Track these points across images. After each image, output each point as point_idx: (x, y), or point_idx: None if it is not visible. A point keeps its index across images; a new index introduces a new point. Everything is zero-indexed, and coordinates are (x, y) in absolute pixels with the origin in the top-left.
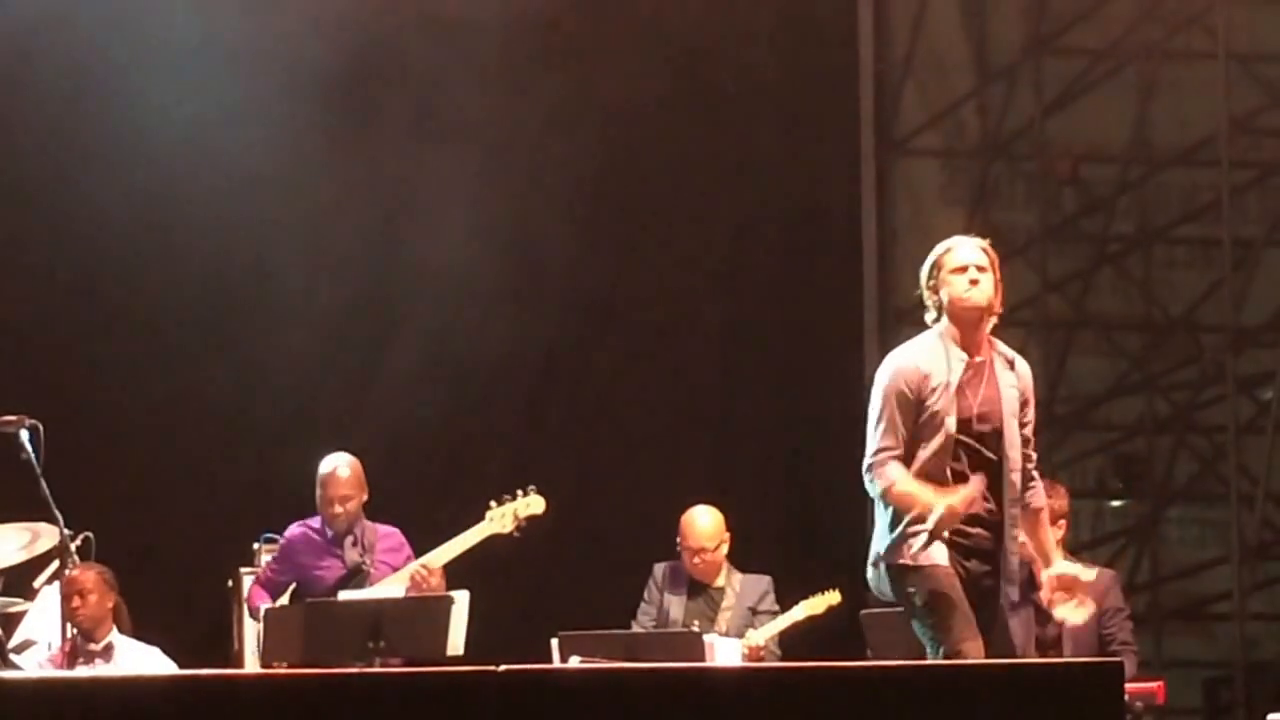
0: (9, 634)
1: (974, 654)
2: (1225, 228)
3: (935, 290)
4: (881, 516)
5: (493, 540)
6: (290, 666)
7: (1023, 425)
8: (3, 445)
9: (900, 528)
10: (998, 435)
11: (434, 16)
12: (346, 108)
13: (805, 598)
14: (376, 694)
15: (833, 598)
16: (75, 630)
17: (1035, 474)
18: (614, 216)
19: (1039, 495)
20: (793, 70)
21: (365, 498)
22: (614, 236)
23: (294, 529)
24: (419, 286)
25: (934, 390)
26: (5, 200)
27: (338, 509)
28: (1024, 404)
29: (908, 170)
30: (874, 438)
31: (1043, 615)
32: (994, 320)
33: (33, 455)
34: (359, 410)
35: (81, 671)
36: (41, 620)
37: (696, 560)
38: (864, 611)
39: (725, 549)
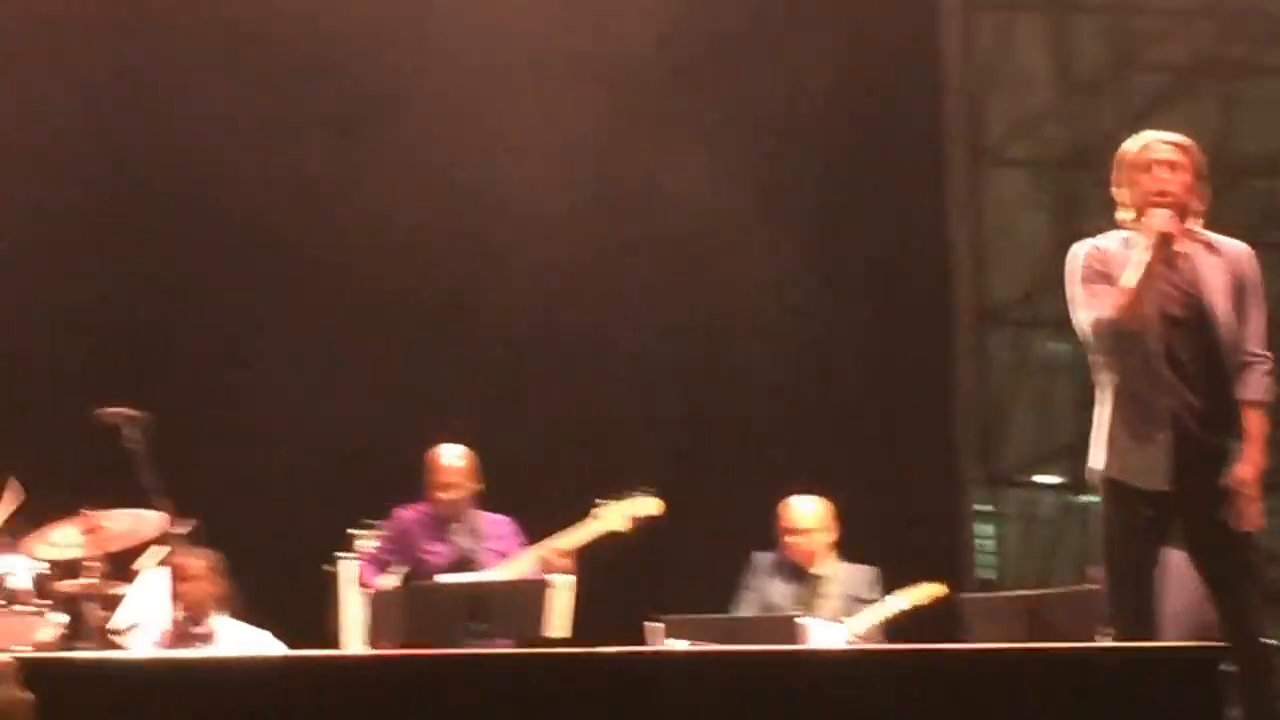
0: (114, 616)
1: None
2: None
3: (1121, 186)
4: None
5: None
6: (394, 648)
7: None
8: (112, 433)
9: None
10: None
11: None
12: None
13: (908, 589)
14: (481, 675)
15: (937, 588)
16: (182, 614)
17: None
18: (703, 235)
19: (1257, 385)
20: (880, 83)
21: (476, 488)
22: (702, 253)
23: (405, 510)
24: (513, 281)
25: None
26: (117, 183)
27: (444, 495)
28: (1239, 288)
29: (994, 180)
30: (1081, 311)
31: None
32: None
33: (140, 443)
34: (461, 399)
35: (191, 652)
36: (144, 603)
37: (791, 540)
38: (963, 596)
39: (828, 536)
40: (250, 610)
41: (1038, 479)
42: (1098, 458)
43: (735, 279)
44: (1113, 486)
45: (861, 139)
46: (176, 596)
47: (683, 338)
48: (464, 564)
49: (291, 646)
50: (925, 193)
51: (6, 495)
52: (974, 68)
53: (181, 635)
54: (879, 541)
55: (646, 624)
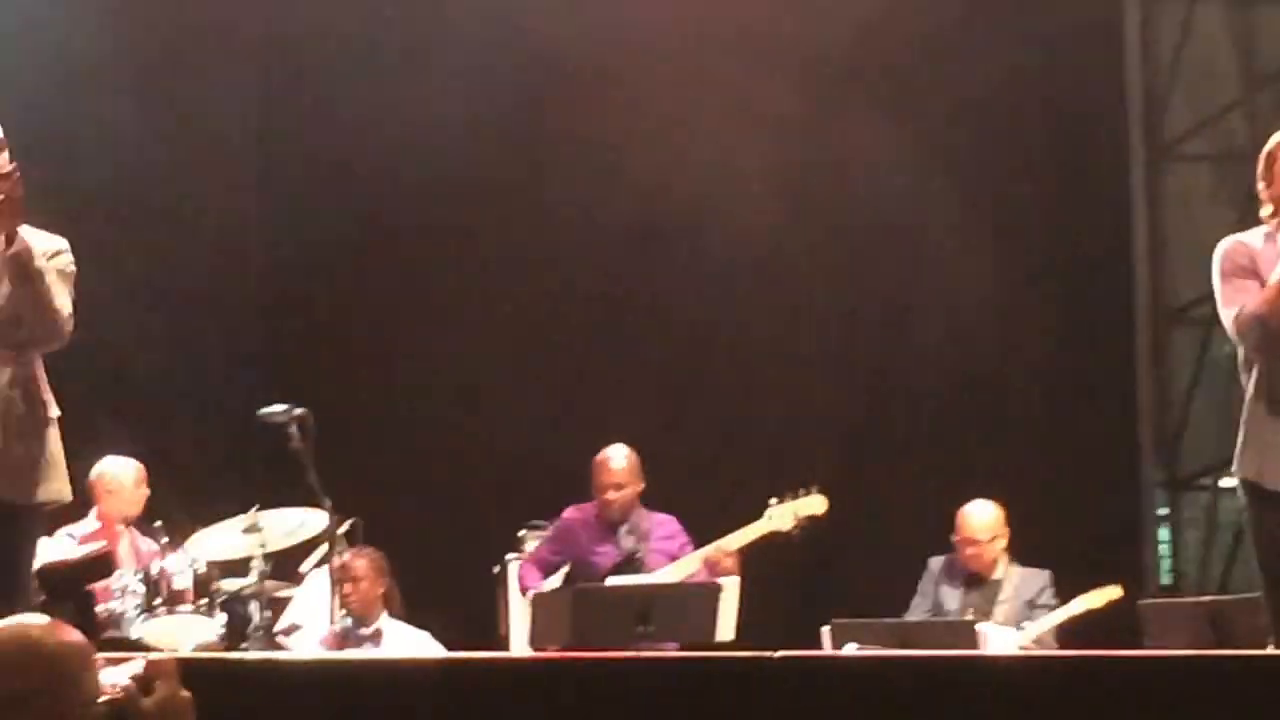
0: (277, 617)
1: None
2: None
3: (1269, 183)
4: None
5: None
6: (558, 650)
7: None
8: (275, 433)
9: None
10: None
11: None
12: None
13: (1084, 592)
14: (647, 677)
15: (1113, 591)
16: (346, 614)
17: None
18: (887, 230)
19: None
20: (1063, 78)
21: (641, 488)
22: (885, 249)
23: (570, 512)
24: (682, 278)
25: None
26: (282, 182)
27: (611, 495)
28: None
29: (1177, 175)
30: (1224, 307)
31: None
32: None
33: (302, 443)
34: (629, 398)
35: (352, 654)
36: (308, 604)
37: (970, 551)
38: (1142, 602)
39: (1002, 543)
40: (415, 611)
41: (1220, 483)
42: (1239, 458)
43: (917, 275)
44: (1252, 489)
45: (1045, 135)
46: (340, 597)
47: (860, 335)
48: (629, 565)
49: (456, 648)
50: (1107, 189)
51: (135, 481)
52: (1155, 62)
53: (345, 636)
54: (1055, 545)
55: (822, 628)
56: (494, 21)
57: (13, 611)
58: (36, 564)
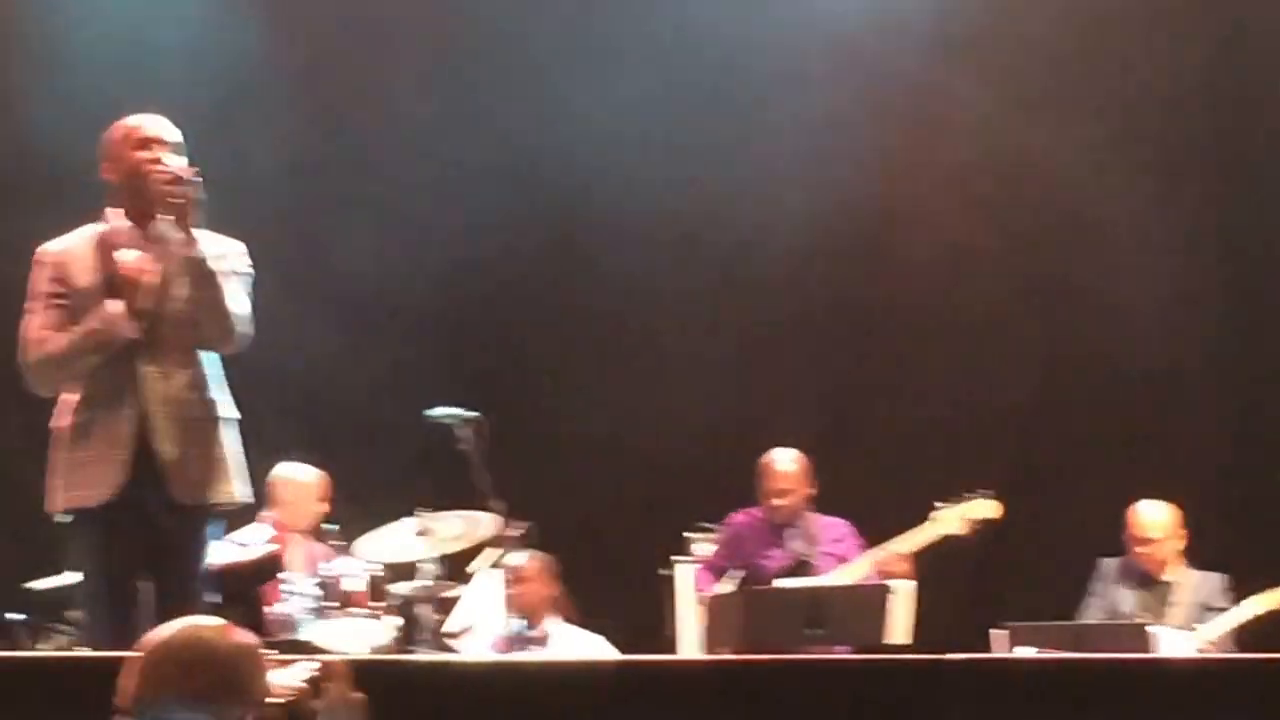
0: (447, 618)
1: None
2: None
3: None
4: None
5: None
6: (731, 653)
7: None
8: (446, 436)
9: None
10: None
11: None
12: None
13: (1260, 593)
14: (819, 680)
15: None
16: (514, 617)
17: None
18: (1081, 223)
19: None
20: (1242, 71)
21: (809, 492)
22: (1078, 241)
23: (739, 515)
24: (855, 283)
25: None
26: (459, 185)
27: (778, 501)
28: None
29: None
30: None
31: None
32: None
33: (474, 445)
34: (798, 400)
35: (523, 656)
36: (478, 606)
37: (1141, 550)
38: None
39: (1176, 544)
40: (584, 614)
41: None
42: None
43: (1092, 271)
44: None
45: (1225, 127)
46: (509, 600)
47: (1033, 331)
48: (799, 569)
49: (626, 651)
50: None
51: (314, 491)
52: None
53: (514, 639)
54: (1234, 546)
55: (993, 631)
56: (684, 24)
57: (187, 613)
58: (209, 566)
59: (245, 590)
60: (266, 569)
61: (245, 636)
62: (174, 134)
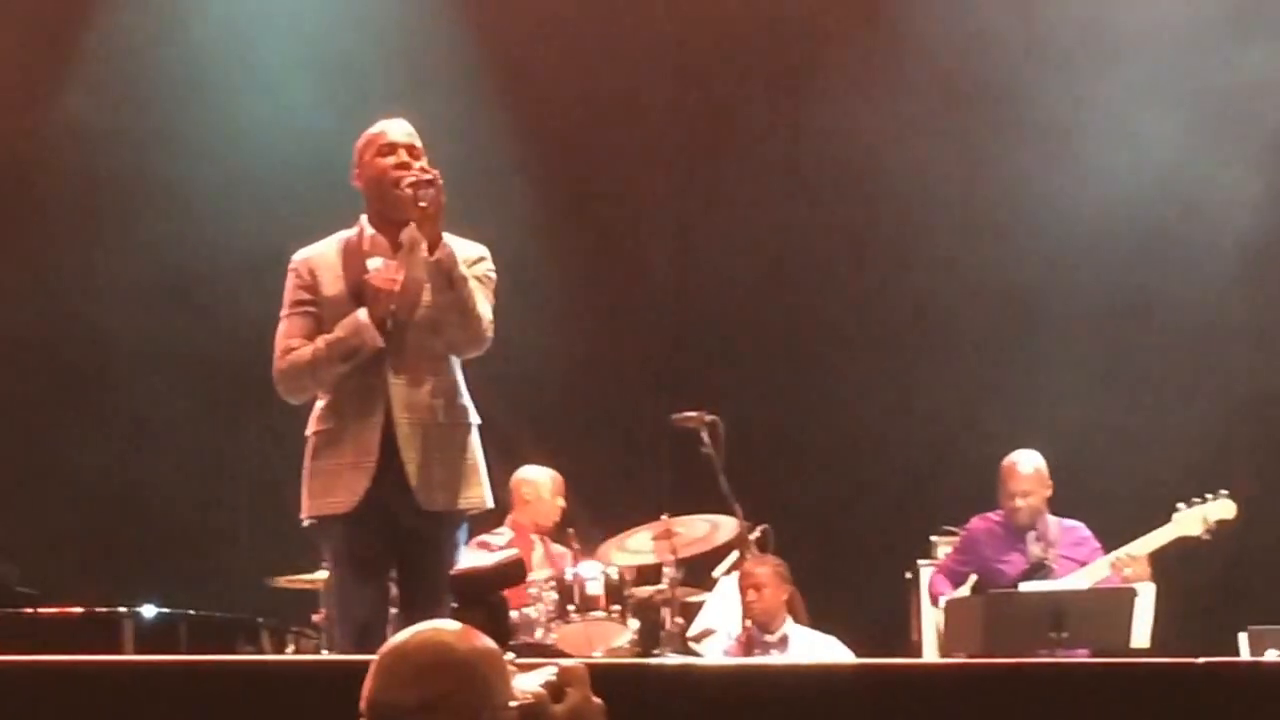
0: (689, 623)
1: None
2: None
3: None
4: None
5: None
6: (969, 657)
7: None
8: (686, 440)
9: None
10: None
11: None
12: None
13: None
14: (1061, 684)
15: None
16: (752, 621)
17: None
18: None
19: None
20: None
21: (1048, 494)
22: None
23: (976, 521)
24: (1095, 285)
25: None
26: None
27: (1018, 503)
28: None
29: None
30: None
31: None
32: None
33: (713, 449)
34: (1034, 402)
35: (762, 659)
36: (720, 610)
37: None
38: None
39: None
40: (824, 618)
41: None
42: None
43: None
44: None
45: None
46: (744, 605)
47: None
48: (1037, 572)
49: (866, 655)
50: None
51: (553, 491)
52: None
53: (751, 643)
54: None
55: (1239, 634)
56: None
57: (433, 618)
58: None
59: (486, 594)
60: (509, 574)
61: (485, 641)
62: (416, 138)
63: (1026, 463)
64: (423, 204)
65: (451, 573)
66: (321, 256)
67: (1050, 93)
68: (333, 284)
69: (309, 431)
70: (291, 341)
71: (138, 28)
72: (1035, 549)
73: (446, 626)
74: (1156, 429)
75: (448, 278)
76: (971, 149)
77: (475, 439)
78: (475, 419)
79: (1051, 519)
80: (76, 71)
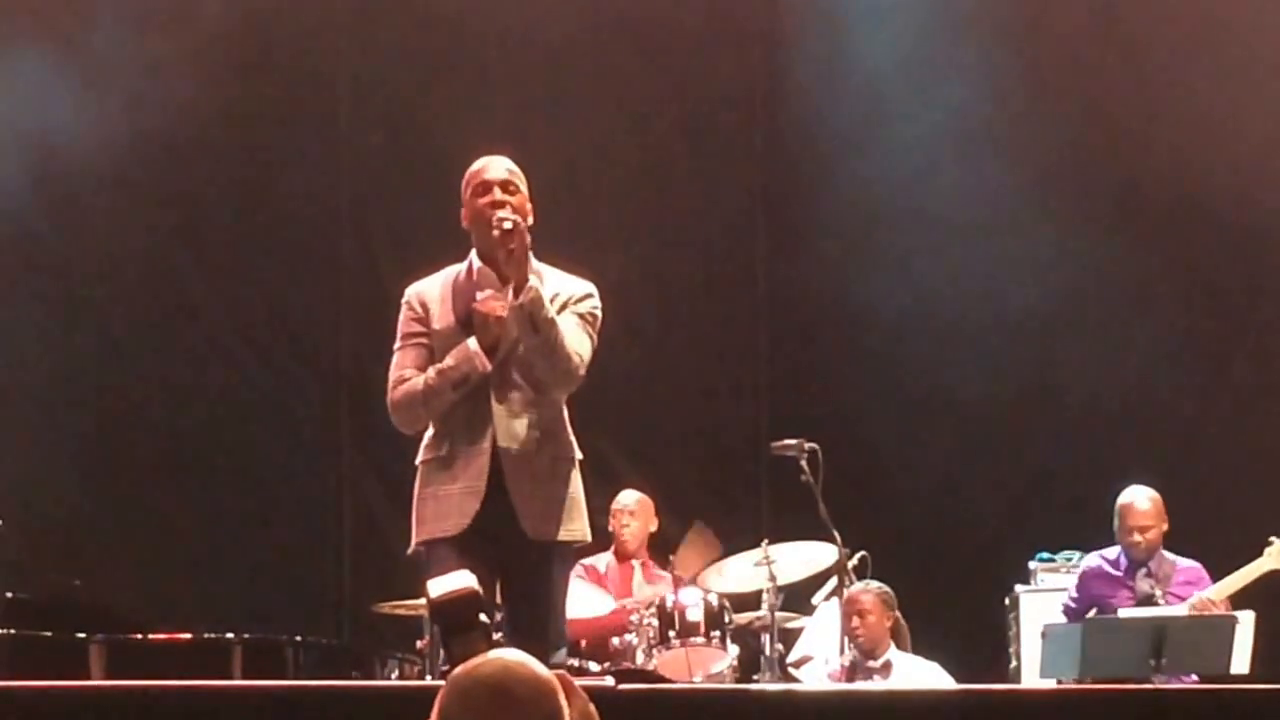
0: (788, 649)
1: None
2: None
3: None
4: None
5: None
6: (1069, 683)
7: None
8: (786, 467)
9: None
10: None
11: None
12: None
13: None
14: (1162, 710)
15: None
16: (854, 647)
17: None
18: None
19: None
20: None
21: (1165, 528)
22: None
23: (1091, 559)
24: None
25: None
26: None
27: (1136, 538)
28: None
29: None
30: None
31: None
32: None
33: (812, 477)
34: (1133, 433)
35: (863, 685)
36: (819, 636)
37: None
38: None
39: None
40: (924, 644)
41: None
42: None
43: None
44: None
45: None
46: (848, 631)
47: None
48: (1144, 607)
49: (966, 680)
50: None
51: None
52: None
53: (854, 669)
54: None
55: None
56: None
57: (536, 648)
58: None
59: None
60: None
61: (545, 670)
62: (516, 174)
63: (1143, 499)
64: (508, 246)
65: (432, 602)
66: (432, 289)
67: None
68: (443, 316)
69: (419, 460)
70: (405, 372)
71: None
72: (1144, 585)
73: (512, 656)
74: (1256, 459)
75: (533, 321)
76: None
77: (576, 474)
78: (577, 454)
79: (1170, 556)
80: None
